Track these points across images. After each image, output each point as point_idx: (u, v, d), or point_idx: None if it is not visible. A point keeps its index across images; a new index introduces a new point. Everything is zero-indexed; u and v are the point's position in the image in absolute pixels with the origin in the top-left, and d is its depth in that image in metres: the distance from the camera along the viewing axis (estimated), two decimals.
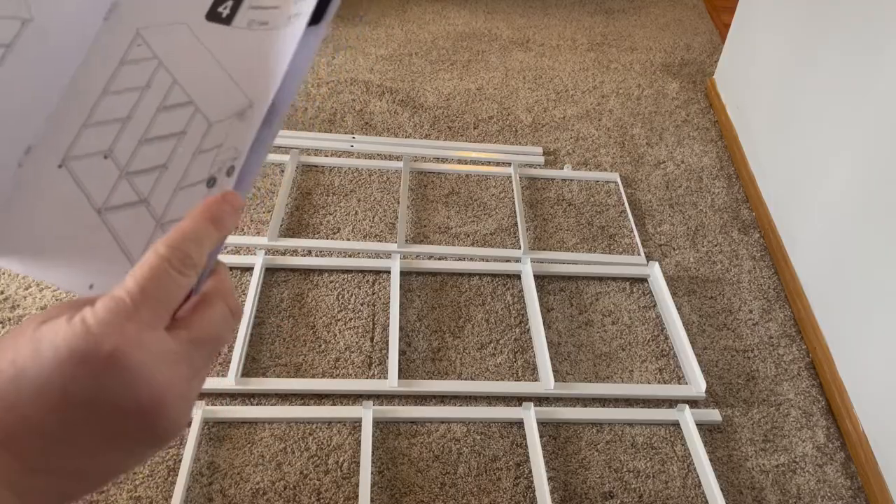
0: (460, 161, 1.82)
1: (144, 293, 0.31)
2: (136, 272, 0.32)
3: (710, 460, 1.23)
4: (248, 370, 1.30)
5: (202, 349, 0.33)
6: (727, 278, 1.59)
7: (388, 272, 1.49)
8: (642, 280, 1.56)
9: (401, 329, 1.39)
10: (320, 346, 1.35)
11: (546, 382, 1.31)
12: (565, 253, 1.60)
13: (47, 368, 0.29)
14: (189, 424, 1.20)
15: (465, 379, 1.33)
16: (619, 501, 1.19)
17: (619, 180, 1.80)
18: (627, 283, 1.55)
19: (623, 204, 1.74)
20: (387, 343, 1.36)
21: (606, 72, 2.23)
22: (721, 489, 1.18)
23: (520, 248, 1.57)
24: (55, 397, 0.29)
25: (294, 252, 1.52)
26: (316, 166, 1.75)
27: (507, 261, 1.55)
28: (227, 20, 0.40)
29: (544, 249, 1.60)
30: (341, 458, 1.19)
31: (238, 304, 0.37)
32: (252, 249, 1.51)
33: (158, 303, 0.32)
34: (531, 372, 1.36)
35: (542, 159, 1.85)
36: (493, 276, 1.53)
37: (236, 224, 0.36)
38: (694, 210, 1.76)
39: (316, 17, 0.37)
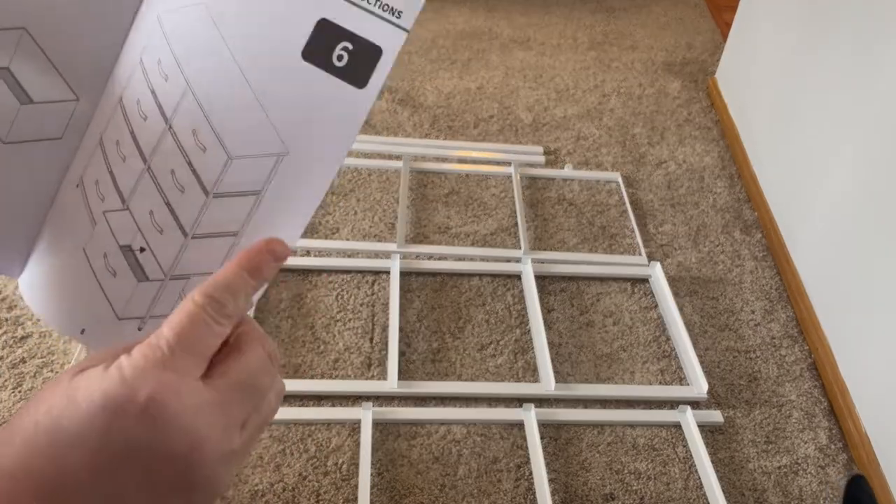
0: (460, 161, 1.81)
1: (181, 341, 0.31)
2: (173, 320, 0.32)
3: (712, 462, 1.23)
4: None
5: (239, 396, 0.33)
6: (729, 279, 1.58)
7: (388, 272, 1.49)
8: (643, 280, 1.55)
9: (400, 330, 1.38)
10: (319, 346, 1.35)
11: (547, 383, 1.30)
12: (566, 253, 1.59)
13: (84, 418, 0.29)
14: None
15: (466, 380, 1.32)
16: (620, 503, 1.18)
17: (620, 180, 1.79)
18: (629, 284, 1.54)
19: (624, 204, 1.73)
20: (386, 344, 1.36)
21: (608, 71, 2.22)
22: (723, 491, 1.18)
23: (520, 248, 1.56)
24: (92, 447, 0.29)
25: (293, 252, 1.52)
26: None
27: (508, 261, 1.54)
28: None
29: (545, 250, 1.60)
30: (340, 460, 1.19)
31: (275, 349, 0.36)
32: None
33: (194, 351, 0.31)
34: (532, 373, 1.35)
35: (542, 159, 1.84)
36: (494, 276, 1.52)
37: (276, 272, 0.36)
38: (695, 210, 1.75)
39: (361, 81, 0.35)
